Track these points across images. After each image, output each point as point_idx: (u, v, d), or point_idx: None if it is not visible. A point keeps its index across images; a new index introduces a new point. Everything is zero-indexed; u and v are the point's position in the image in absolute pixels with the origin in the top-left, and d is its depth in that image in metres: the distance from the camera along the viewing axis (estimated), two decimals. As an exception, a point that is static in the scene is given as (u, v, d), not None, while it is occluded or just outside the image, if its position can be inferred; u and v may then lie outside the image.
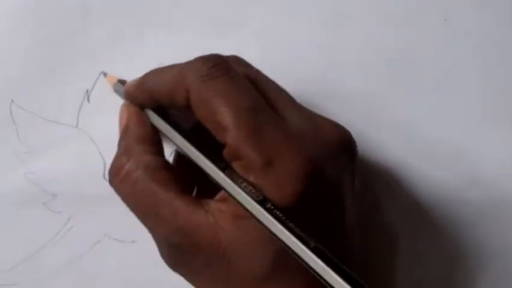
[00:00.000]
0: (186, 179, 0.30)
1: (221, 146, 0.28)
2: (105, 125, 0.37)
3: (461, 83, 0.38)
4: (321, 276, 0.23)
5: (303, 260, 0.24)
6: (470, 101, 0.38)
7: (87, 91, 0.37)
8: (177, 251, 0.29)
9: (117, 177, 0.30)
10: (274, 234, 0.25)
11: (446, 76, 0.38)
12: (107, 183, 0.37)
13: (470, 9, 0.37)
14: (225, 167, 0.27)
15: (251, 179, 0.26)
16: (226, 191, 0.27)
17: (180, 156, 0.33)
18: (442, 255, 0.38)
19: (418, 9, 0.37)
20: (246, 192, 0.26)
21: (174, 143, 0.30)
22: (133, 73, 0.37)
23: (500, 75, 0.38)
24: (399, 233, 0.38)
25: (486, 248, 0.38)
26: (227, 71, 0.28)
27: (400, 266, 0.38)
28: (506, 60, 0.38)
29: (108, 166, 0.37)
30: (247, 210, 0.26)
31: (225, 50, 0.37)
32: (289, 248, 0.24)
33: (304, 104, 0.37)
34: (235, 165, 0.27)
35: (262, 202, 0.25)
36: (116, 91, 0.35)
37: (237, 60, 0.30)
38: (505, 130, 0.38)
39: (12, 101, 0.37)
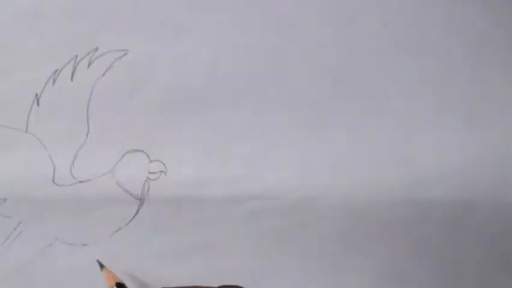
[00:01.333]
0: None
1: None
2: (55, 128, 0.38)
3: (402, 86, 0.39)
4: None
5: None
6: (410, 104, 0.40)
7: (36, 95, 0.37)
8: None
9: None
10: None
11: (387, 80, 0.39)
12: (57, 188, 0.38)
13: (408, 13, 0.39)
14: None
15: None
16: None
17: None
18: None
19: (356, 13, 0.38)
20: None
21: None
22: (84, 77, 0.37)
23: (438, 78, 0.40)
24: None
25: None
26: None
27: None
28: (444, 63, 0.39)
29: (58, 170, 0.38)
30: None
31: (176, 55, 0.38)
32: None
33: (254, 108, 0.38)
34: None
35: None
36: None
37: None
38: (442, 132, 0.40)
39: (-41, 105, 0.37)
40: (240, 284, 0.37)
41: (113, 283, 0.36)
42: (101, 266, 0.37)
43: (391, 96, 0.39)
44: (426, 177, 0.39)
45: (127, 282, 0.37)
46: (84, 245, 0.39)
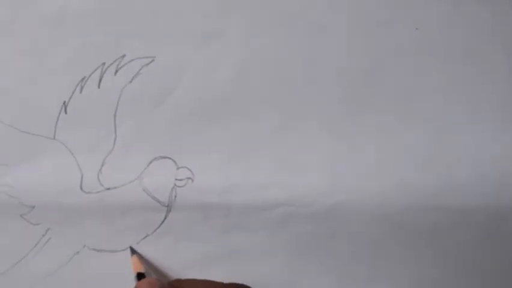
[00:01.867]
0: None
1: None
2: (83, 136, 0.37)
3: (431, 89, 0.39)
4: None
5: None
6: (443, 108, 0.39)
7: (64, 102, 0.37)
8: None
9: None
10: None
11: (417, 84, 0.39)
12: (85, 195, 0.38)
13: (440, 18, 0.38)
14: None
15: None
16: None
17: None
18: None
19: (386, 17, 0.38)
20: None
21: None
22: (111, 84, 0.37)
23: (472, 82, 0.39)
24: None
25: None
26: None
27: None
28: (478, 65, 0.39)
29: (85, 177, 0.38)
30: None
31: (203, 60, 0.37)
32: None
33: (281, 113, 0.38)
34: None
35: None
36: None
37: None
38: (476, 137, 0.39)
39: (-12, 113, 0.37)
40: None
41: (137, 271, 0.36)
42: (133, 252, 0.37)
43: (423, 100, 0.39)
44: (459, 183, 0.38)
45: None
46: (111, 251, 0.39)
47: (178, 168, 0.38)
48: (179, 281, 0.38)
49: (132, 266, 0.37)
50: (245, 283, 0.38)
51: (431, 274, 0.39)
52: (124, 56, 0.37)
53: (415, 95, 0.39)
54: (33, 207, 0.38)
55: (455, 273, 0.40)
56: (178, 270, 0.39)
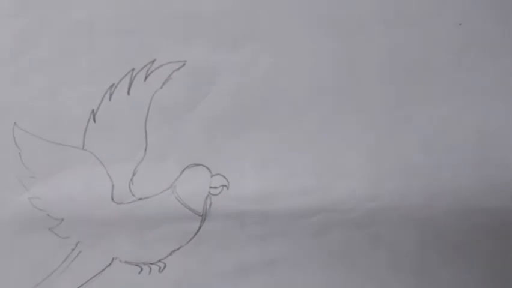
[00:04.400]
0: None
1: None
2: (112, 145, 0.36)
3: (477, 87, 0.37)
4: None
5: None
6: (488, 106, 0.38)
7: (92, 111, 0.36)
8: None
9: None
10: None
11: (462, 80, 0.37)
12: (116, 206, 0.37)
13: (484, 13, 0.37)
14: None
15: None
16: None
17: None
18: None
19: (432, 12, 0.36)
20: None
21: None
22: (141, 91, 0.36)
23: (509, 83, 0.38)
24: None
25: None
26: None
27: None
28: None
29: (116, 188, 0.36)
30: None
31: (236, 64, 0.36)
32: None
33: (319, 115, 0.37)
34: None
35: None
36: None
37: None
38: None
39: (15, 123, 0.36)
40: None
41: None
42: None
43: (467, 97, 0.37)
44: (506, 184, 0.37)
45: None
46: (144, 263, 0.37)
47: (212, 175, 0.37)
48: None
49: None
50: (284, 292, 0.37)
51: (476, 276, 0.38)
52: (154, 61, 0.36)
53: (461, 92, 0.37)
54: (62, 219, 0.37)
55: (503, 276, 0.38)
56: (214, 281, 0.38)
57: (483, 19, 0.37)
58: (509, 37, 0.37)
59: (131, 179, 0.37)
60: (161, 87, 0.36)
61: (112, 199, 0.37)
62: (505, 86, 0.38)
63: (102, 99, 0.36)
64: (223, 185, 0.37)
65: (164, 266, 0.37)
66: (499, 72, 0.37)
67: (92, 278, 0.37)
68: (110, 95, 0.36)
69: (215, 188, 0.37)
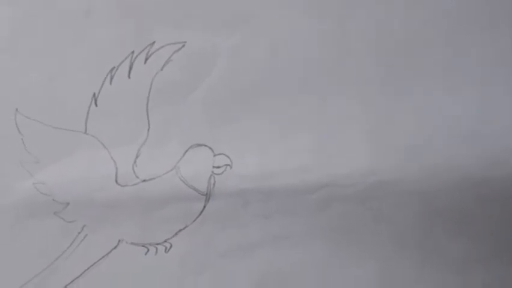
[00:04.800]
0: None
1: None
2: (115, 128, 0.37)
3: (473, 60, 0.38)
4: None
5: None
6: (486, 80, 0.38)
7: (94, 94, 0.36)
8: None
9: None
10: None
11: (458, 56, 0.38)
12: (120, 188, 0.37)
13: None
14: None
15: None
16: None
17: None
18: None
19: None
20: None
21: None
22: (142, 73, 0.36)
23: (506, 59, 0.38)
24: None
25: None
26: None
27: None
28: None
29: (120, 170, 0.37)
30: None
31: (235, 44, 0.36)
32: None
33: (319, 93, 0.37)
34: None
35: None
36: None
37: None
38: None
39: (17, 110, 0.36)
40: (312, 276, 0.36)
41: None
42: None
43: (464, 72, 0.38)
44: (506, 154, 0.38)
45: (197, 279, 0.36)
46: (150, 244, 0.38)
47: (215, 155, 0.37)
48: None
49: None
50: (289, 268, 0.38)
51: (481, 248, 0.39)
52: (153, 43, 0.36)
53: (458, 68, 0.38)
54: (68, 204, 0.37)
55: (507, 246, 0.39)
56: (220, 259, 0.38)
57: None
58: (503, 9, 0.38)
59: (135, 161, 0.37)
60: (161, 69, 0.36)
61: (116, 182, 0.37)
62: (502, 58, 0.38)
63: (103, 83, 0.36)
64: (226, 164, 0.37)
65: (170, 246, 0.38)
66: (495, 44, 0.38)
67: (98, 260, 0.38)
68: (111, 78, 0.36)
69: (218, 167, 0.37)
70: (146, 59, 0.36)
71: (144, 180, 0.37)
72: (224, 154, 0.37)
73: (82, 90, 0.36)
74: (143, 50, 0.36)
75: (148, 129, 0.37)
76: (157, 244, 0.38)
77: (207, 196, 0.37)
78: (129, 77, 0.36)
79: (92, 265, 0.38)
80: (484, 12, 0.37)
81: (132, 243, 0.38)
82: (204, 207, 0.38)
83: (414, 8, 0.37)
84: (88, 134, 0.36)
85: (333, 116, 0.38)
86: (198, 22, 0.36)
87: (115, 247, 0.38)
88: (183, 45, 0.36)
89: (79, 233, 0.37)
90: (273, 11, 0.37)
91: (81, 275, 0.38)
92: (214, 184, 0.37)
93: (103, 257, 0.38)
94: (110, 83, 0.36)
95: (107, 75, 0.36)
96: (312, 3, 0.37)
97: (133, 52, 0.36)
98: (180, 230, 0.38)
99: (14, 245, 0.37)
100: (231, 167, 0.37)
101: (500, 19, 0.38)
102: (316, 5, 0.37)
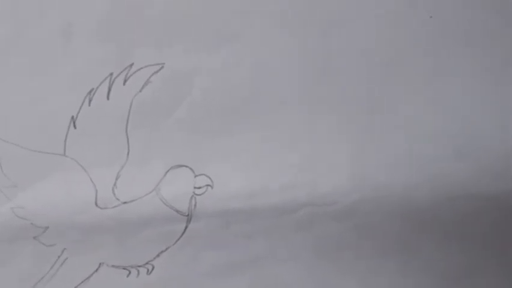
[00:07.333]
0: None
1: None
2: (94, 150, 0.36)
3: (456, 77, 0.38)
4: None
5: None
6: (467, 94, 0.38)
7: (72, 117, 0.36)
8: None
9: None
10: None
11: (439, 71, 0.38)
12: (100, 211, 0.37)
13: (454, 6, 0.38)
14: None
15: None
16: None
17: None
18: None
19: (400, 7, 0.37)
20: None
21: None
22: (121, 95, 0.36)
23: (492, 67, 0.39)
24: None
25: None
26: None
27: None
28: (492, 54, 0.38)
29: (100, 193, 0.36)
30: None
31: (216, 64, 0.36)
32: None
33: (301, 112, 0.37)
34: None
35: None
36: None
37: None
38: (503, 122, 0.39)
39: (-6, 133, 0.35)
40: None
41: None
42: None
43: (445, 87, 0.38)
44: (488, 171, 0.38)
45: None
46: (132, 267, 0.38)
47: (196, 176, 0.37)
48: None
49: None
50: (272, 287, 0.37)
51: (459, 263, 0.39)
52: (132, 64, 0.36)
53: (442, 84, 0.38)
54: (47, 227, 0.36)
55: (496, 263, 0.39)
56: (202, 280, 0.38)
57: (454, 11, 0.38)
58: (480, 26, 0.38)
59: (115, 183, 0.37)
60: (140, 91, 0.36)
61: (96, 204, 0.36)
62: (483, 73, 0.38)
63: (82, 105, 0.36)
64: (207, 185, 0.37)
65: (153, 268, 0.38)
66: (475, 60, 0.38)
67: (79, 284, 0.37)
68: (90, 100, 0.36)
69: (199, 188, 0.37)
70: (125, 81, 0.36)
71: (125, 202, 0.37)
72: (205, 175, 0.37)
73: (61, 112, 0.36)
74: (122, 72, 0.36)
75: (128, 151, 0.36)
76: (139, 266, 0.38)
77: (189, 217, 0.37)
78: (108, 98, 0.36)
79: (73, 288, 0.37)
80: (464, 26, 0.38)
81: (113, 266, 0.37)
82: (186, 228, 0.37)
83: (396, 26, 0.37)
84: (67, 156, 0.36)
85: (315, 135, 0.38)
86: (176, 43, 0.36)
87: (96, 270, 0.37)
88: (162, 67, 0.36)
89: (59, 256, 0.37)
90: (254, 30, 0.37)
91: (62, 299, 0.37)
92: (195, 205, 0.37)
93: (84, 280, 0.37)
94: (89, 105, 0.36)
95: (85, 96, 0.36)
96: (295, 21, 0.37)
97: (111, 74, 0.36)
98: (162, 252, 0.38)
99: (-7, 270, 0.36)
100: (212, 188, 0.37)
101: (479, 33, 0.38)
102: (298, 24, 0.37)
